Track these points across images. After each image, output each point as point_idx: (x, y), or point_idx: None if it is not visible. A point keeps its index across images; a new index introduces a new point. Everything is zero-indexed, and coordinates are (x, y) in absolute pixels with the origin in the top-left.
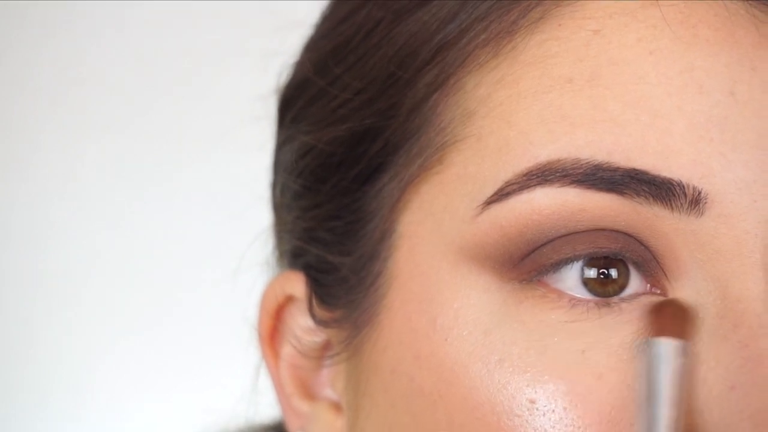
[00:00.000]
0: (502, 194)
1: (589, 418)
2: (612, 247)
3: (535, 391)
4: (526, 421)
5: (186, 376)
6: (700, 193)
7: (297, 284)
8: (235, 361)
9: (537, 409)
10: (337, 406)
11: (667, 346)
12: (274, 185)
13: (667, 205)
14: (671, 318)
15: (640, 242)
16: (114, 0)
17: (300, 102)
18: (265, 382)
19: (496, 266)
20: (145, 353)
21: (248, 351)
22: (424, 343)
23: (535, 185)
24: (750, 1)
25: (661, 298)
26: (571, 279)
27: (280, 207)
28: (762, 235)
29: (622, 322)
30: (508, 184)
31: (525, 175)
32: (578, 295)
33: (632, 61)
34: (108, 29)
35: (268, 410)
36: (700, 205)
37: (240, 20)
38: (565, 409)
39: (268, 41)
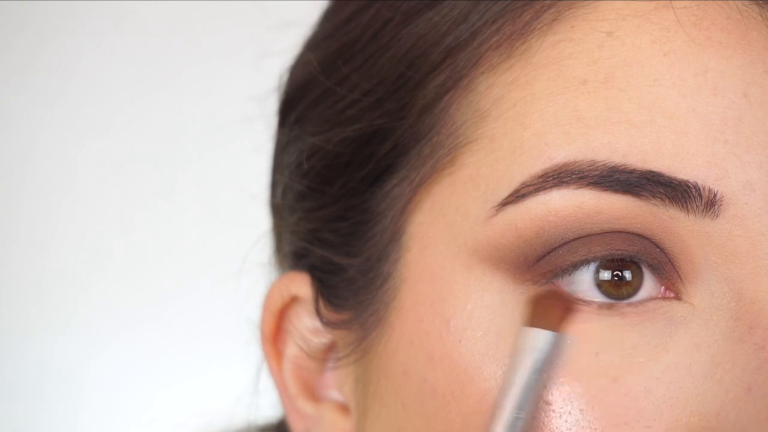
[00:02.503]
0: (517, 196)
1: (606, 420)
2: (628, 249)
3: (551, 393)
4: (542, 422)
5: (186, 377)
6: (715, 195)
7: (302, 285)
8: (236, 363)
9: (553, 410)
10: (343, 408)
11: (527, 336)
12: (275, 186)
13: (682, 207)
14: (541, 309)
15: (656, 245)
16: (111, 0)
17: (304, 102)
18: (266, 383)
19: (510, 268)
20: (145, 354)
21: (248, 352)
22: (437, 345)
23: (551, 187)
24: (763, 4)
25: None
26: (584, 281)
27: (281, 208)
28: None
29: (634, 324)
30: (524, 185)
31: (541, 176)
32: (590, 298)
33: (646, 63)
34: (105, 30)
35: (269, 411)
36: (716, 207)
37: (237, 20)
38: (581, 410)
39: (265, 41)
